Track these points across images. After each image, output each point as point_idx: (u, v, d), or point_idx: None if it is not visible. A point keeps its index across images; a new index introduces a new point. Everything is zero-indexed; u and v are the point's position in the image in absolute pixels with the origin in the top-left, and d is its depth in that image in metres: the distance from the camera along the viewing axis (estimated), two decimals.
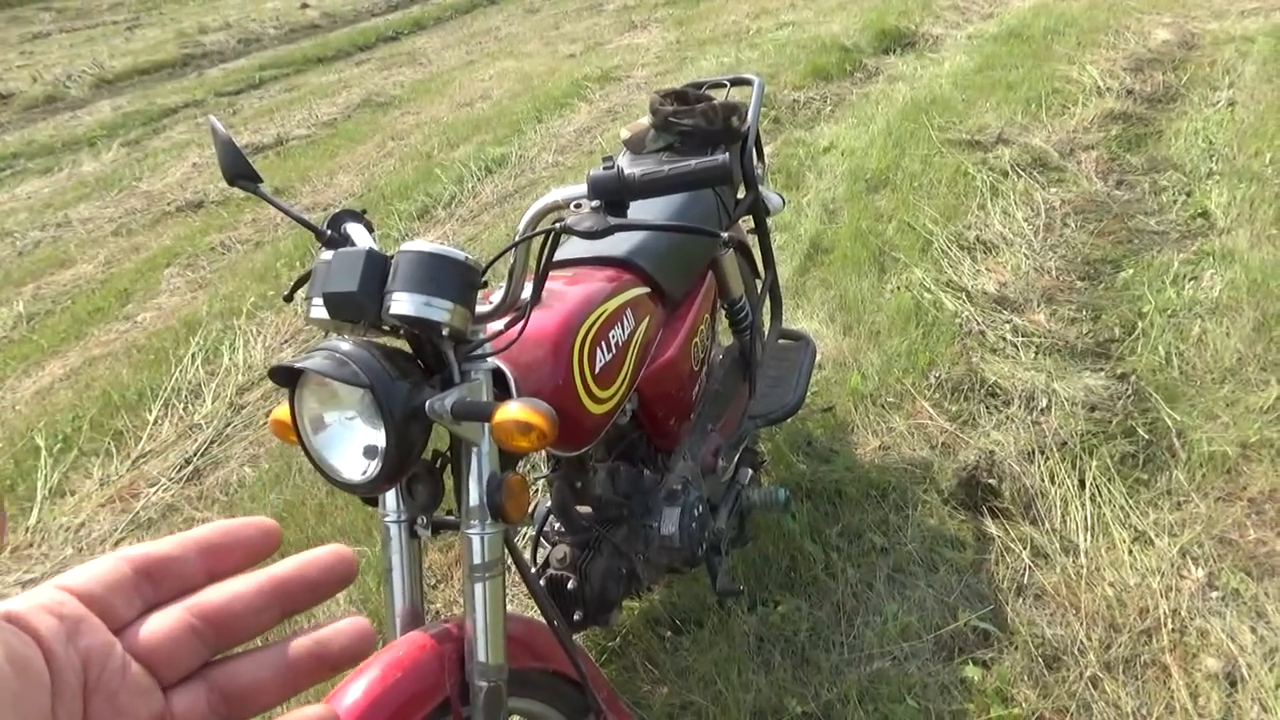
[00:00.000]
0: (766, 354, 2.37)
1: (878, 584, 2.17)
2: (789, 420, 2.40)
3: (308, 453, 1.23)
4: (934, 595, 2.13)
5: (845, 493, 2.44)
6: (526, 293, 1.39)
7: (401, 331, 1.27)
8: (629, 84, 7.14)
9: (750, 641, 2.05)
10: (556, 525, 1.78)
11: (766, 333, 2.44)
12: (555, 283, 1.68)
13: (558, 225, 1.34)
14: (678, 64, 7.38)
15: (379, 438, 1.18)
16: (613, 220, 1.36)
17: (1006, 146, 4.49)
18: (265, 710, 0.35)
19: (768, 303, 2.43)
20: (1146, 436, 2.49)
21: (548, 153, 5.91)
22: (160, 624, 0.34)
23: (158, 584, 0.34)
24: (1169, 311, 3.05)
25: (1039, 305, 3.15)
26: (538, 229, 1.37)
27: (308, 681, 0.35)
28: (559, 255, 1.84)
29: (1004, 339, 2.98)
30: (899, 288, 3.38)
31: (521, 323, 1.34)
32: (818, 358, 2.99)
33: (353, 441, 1.22)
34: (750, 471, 2.18)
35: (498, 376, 1.41)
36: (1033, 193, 4.00)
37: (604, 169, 1.37)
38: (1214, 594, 2.03)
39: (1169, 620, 1.97)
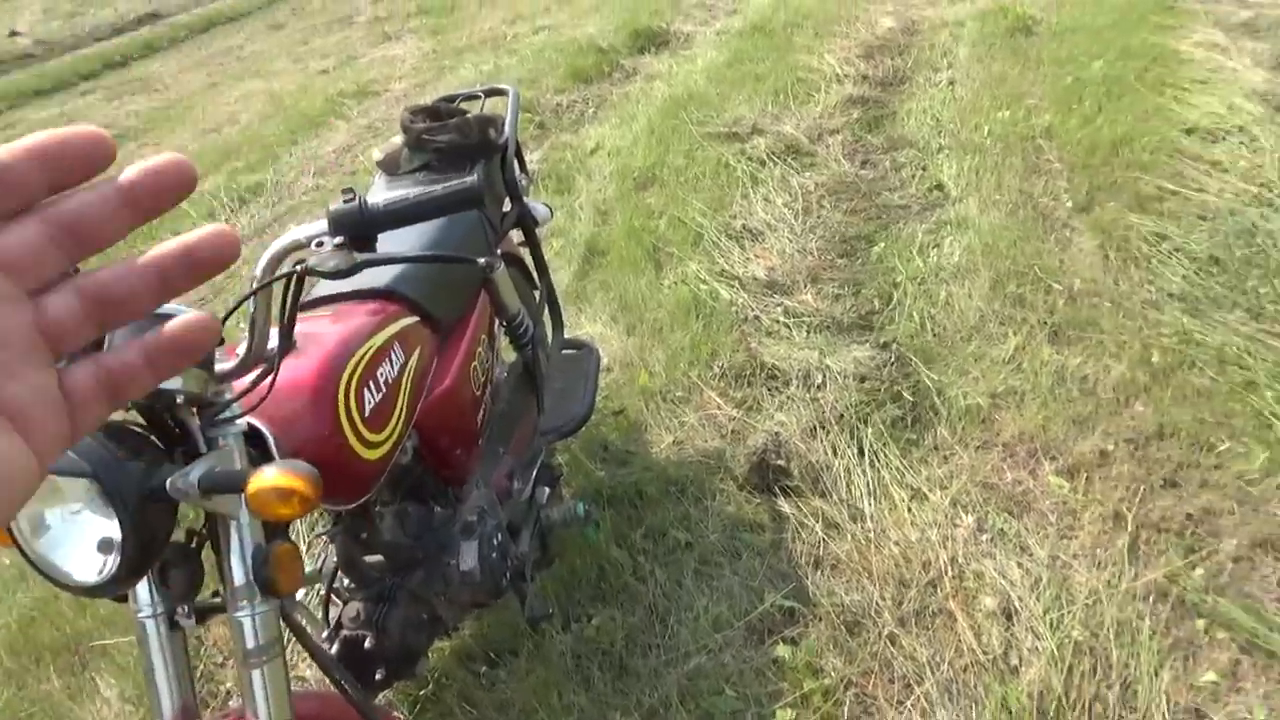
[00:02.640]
0: (551, 366, 2.34)
1: (686, 580, 2.20)
2: (583, 430, 2.39)
3: (30, 561, 1.08)
4: (740, 582, 2.18)
5: (645, 493, 2.46)
6: (274, 342, 1.28)
7: (129, 407, 1.13)
8: (387, 98, 6.91)
9: (568, 661, 2.02)
10: (346, 581, 1.67)
11: (550, 345, 2.41)
12: (311, 324, 1.57)
13: (299, 267, 1.25)
14: (436, 74, 7.21)
15: (113, 529, 1.05)
16: (360, 257, 1.28)
17: (761, 136, 4.69)
18: (140, 315, 0.35)
19: (547, 315, 2.41)
20: (911, 399, 2.67)
21: (307, 176, 5.61)
22: (15, 233, 0.33)
23: (6, 193, 0.33)
24: (919, 279, 3.30)
25: (806, 286, 3.31)
26: (277, 273, 1.26)
27: (180, 285, 0.35)
28: (313, 293, 1.72)
29: (777, 322, 3.12)
30: (676, 282, 3.46)
31: (271, 375, 1.24)
32: (604, 361, 3.00)
33: (83, 538, 1.07)
34: (548, 489, 2.15)
35: (254, 437, 1.30)
36: (789, 178, 4.21)
37: (344, 202, 1.29)
38: (984, 537, 2.21)
39: (949, 569, 2.12)
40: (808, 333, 3.04)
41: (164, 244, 0.35)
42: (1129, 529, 2.16)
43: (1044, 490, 2.33)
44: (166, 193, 0.35)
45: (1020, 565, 2.11)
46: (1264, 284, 2.88)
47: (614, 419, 2.78)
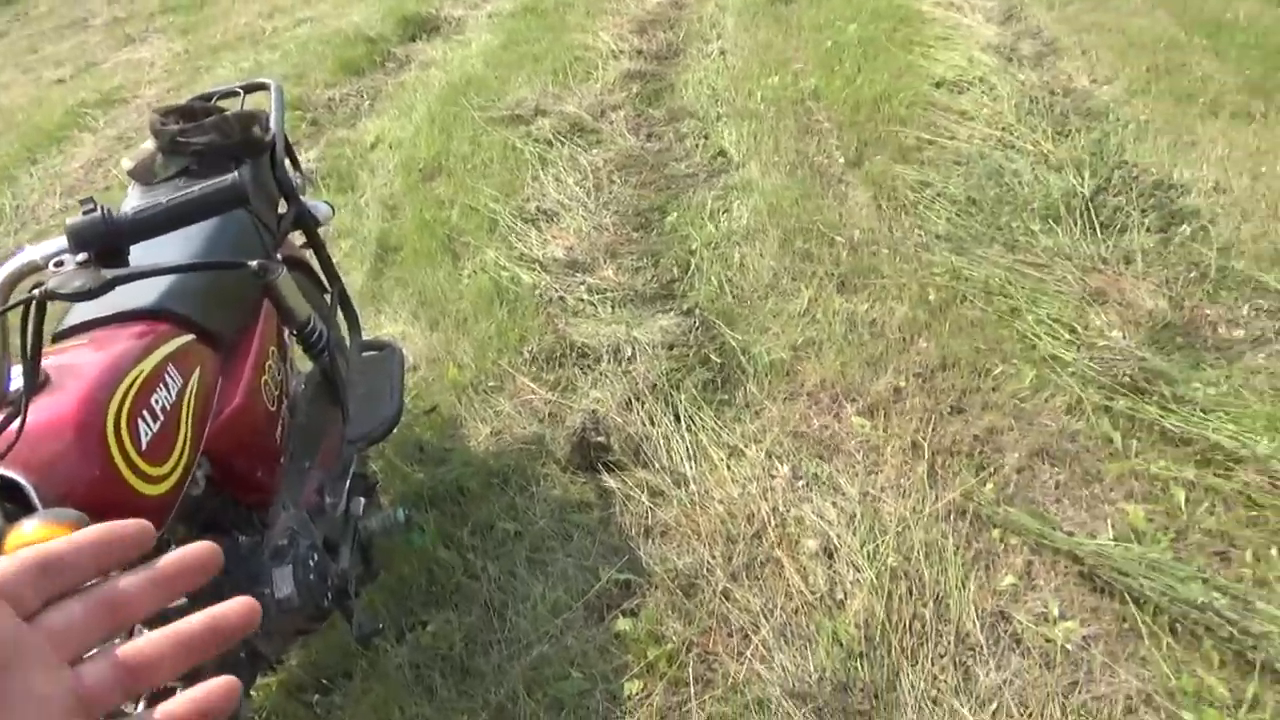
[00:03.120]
0: (352, 371, 2.22)
1: (519, 570, 2.16)
2: (394, 433, 2.29)
3: None
4: (574, 563, 2.17)
5: (468, 489, 2.39)
6: (17, 380, 1.14)
7: None
8: (137, 105, 6.33)
9: (406, 673, 1.94)
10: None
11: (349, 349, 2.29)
12: (65, 355, 1.41)
13: (38, 292, 1.11)
14: (191, 75, 6.68)
15: None
16: (109, 273, 1.15)
17: (545, 117, 4.66)
18: (165, 681, 0.39)
19: (342, 318, 2.28)
20: (719, 360, 2.74)
21: (53, 197, 5.06)
22: (62, 610, 0.38)
23: (54, 577, 0.38)
24: (713, 244, 3.38)
25: (605, 261, 3.33)
26: (11, 301, 1.12)
27: (205, 652, 0.40)
28: (65, 321, 1.55)
29: (582, 300, 3.11)
30: (475, 271, 3.38)
31: (19, 418, 1.09)
32: (410, 360, 2.90)
33: None
34: (364, 499, 2.05)
35: (10, 490, 1.15)
36: (578, 157, 4.20)
37: (84, 214, 1.15)
38: (800, 483, 2.31)
39: (771, 518, 2.20)
40: (613, 308, 3.06)
41: (192, 617, 0.40)
42: (926, 456, 2.32)
43: (849, 431, 2.46)
44: (194, 575, 0.41)
45: (835, 505, 2.22)
46: (1015, 219, 3.16)
47: (426, 418, 2.69)
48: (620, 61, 5.30)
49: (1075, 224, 3.05)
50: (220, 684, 0.39)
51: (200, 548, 0.42)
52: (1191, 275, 2.79)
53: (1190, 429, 2.25)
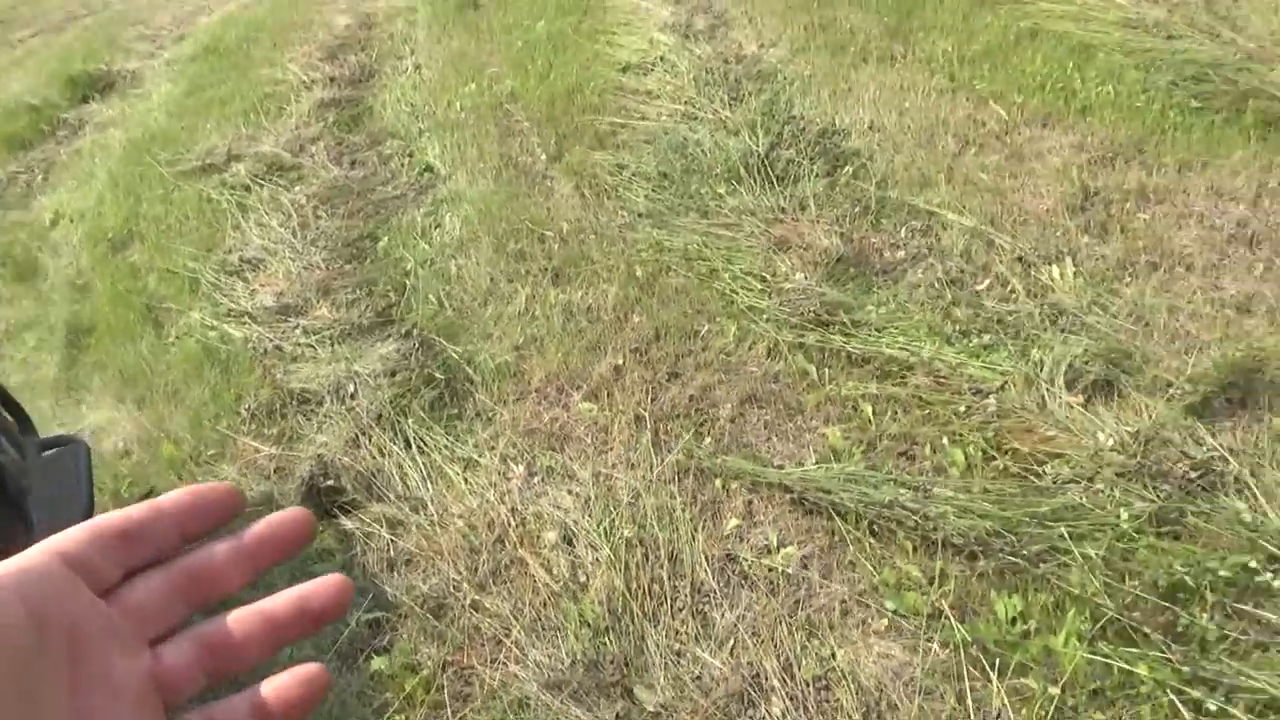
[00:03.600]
0: (31, 475, 2.04)
1: None
2: None
3: None
4: None
5: None
6: None
7: None
8: None
9: None
10: None
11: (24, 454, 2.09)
12: None
13: None
14: None
15: None
16: None
17: (240, 162, 4.44)
18: (251, 665, 0.35)
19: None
20: (444, 377, 2.74)
21: None
22: (143, 584, 0.35)
23: (135, 547, 0.35)
24: (428, 262, 3.36)
25: (319, 300, 3.23)
26: None
27: (292, 636, 0.36)
28: None
29: (299, 344, 3.01)
30: (180, 337, 3.18)
31: None
32: (119, 445, 2.70)
33: None
34: None
35: None
36: (279, 197, 4.04)
37: None
38: (535, 479, 2.35)
39: (511, 520, 2.23)
40: (332, 345, 2.97)
41: (279, 594, 0.37)
42: (649, 426, 2.43)
43: (577, 418, 2.53)
44: (286, 546, 0.38)
45: (571, 492, 2.28)
46: (703, 185, 3.35)
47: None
48: (314, 91, 5.13)
49: (755, 182, 3.27)
50: (311, 670, 0.36)
51: (293, 514, 0.38)
52: (857, 210, 3.07)
53: (869, 348, 2.49)
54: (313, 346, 3.00)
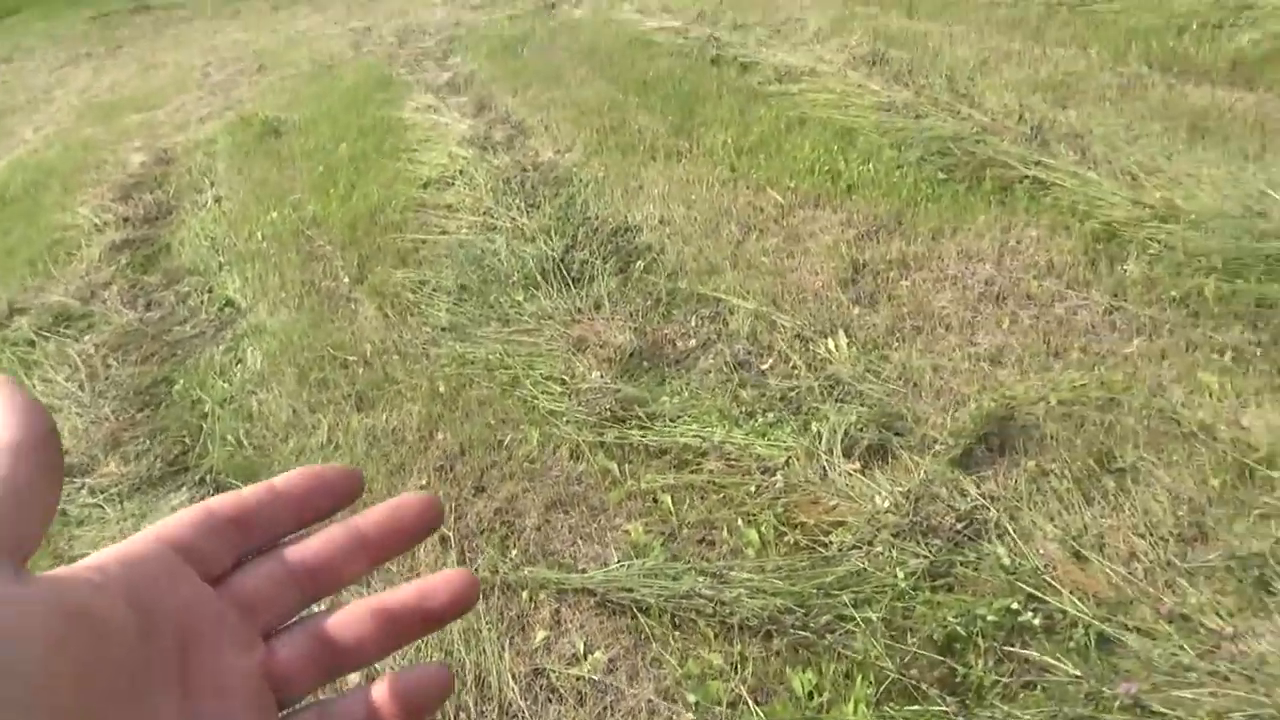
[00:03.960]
0: None
1: None
2: None
3: None
4: None
5: None
6: None
7: None
8: None
9: None
10: None
11: None
12: None
13: None
14: None
15: None
16: None
17: (23, 315, 4.20)
18: (368, 664, 0.33)
19: None
20: None
21: None
22: (256, 572, 0.33)
23: (248, 533, 0.33)
24: (227, 400, 3.25)
25: (107, 456, 3.05)
26: None
27: (412, 634, 0.34)
28: None
29: (85, 506, 2.82)
30: None
31: None
32: None
33: None
34: None
35: None
36: (66, 349, 3.83)
37: None
38: None
39: None
40: (121, 503, 2.81)
41: (399, 589, 0.34)
42: (454, 545, 2.39)
43: None
44: (410, 533, 0.35)
45: None
46: (502, 294, 3.40)
47: None
48: (106, 234, 4.94)
49: (553, 285, 3.35)
50: (434, 670, 0.34)
51: (418, 498, 0.35)
52: (649, 304, 3.18)
53: (665, 439, 2.55)
54: (100, 506, 2.82)
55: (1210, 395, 2.36)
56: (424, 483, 2.64)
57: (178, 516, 0.33)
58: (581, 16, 7.46)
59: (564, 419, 2.73)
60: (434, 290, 3.58)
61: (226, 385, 3.35)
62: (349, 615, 0.34)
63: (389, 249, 4.03)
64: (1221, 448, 2.18)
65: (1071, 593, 1.88)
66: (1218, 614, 1.81)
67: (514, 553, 2.34)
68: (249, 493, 0.34)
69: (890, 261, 3.19)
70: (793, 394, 2.61)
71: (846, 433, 2.38)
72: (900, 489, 2.19)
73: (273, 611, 0.33)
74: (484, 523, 2.47)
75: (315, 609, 0.35)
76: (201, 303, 4.09)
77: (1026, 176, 3.45)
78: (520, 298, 3.34)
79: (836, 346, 2.78)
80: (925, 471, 2.24)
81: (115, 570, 0.30)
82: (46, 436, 0.30)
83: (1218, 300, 2.64)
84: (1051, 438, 2.31)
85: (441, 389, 3.01)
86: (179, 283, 4.31)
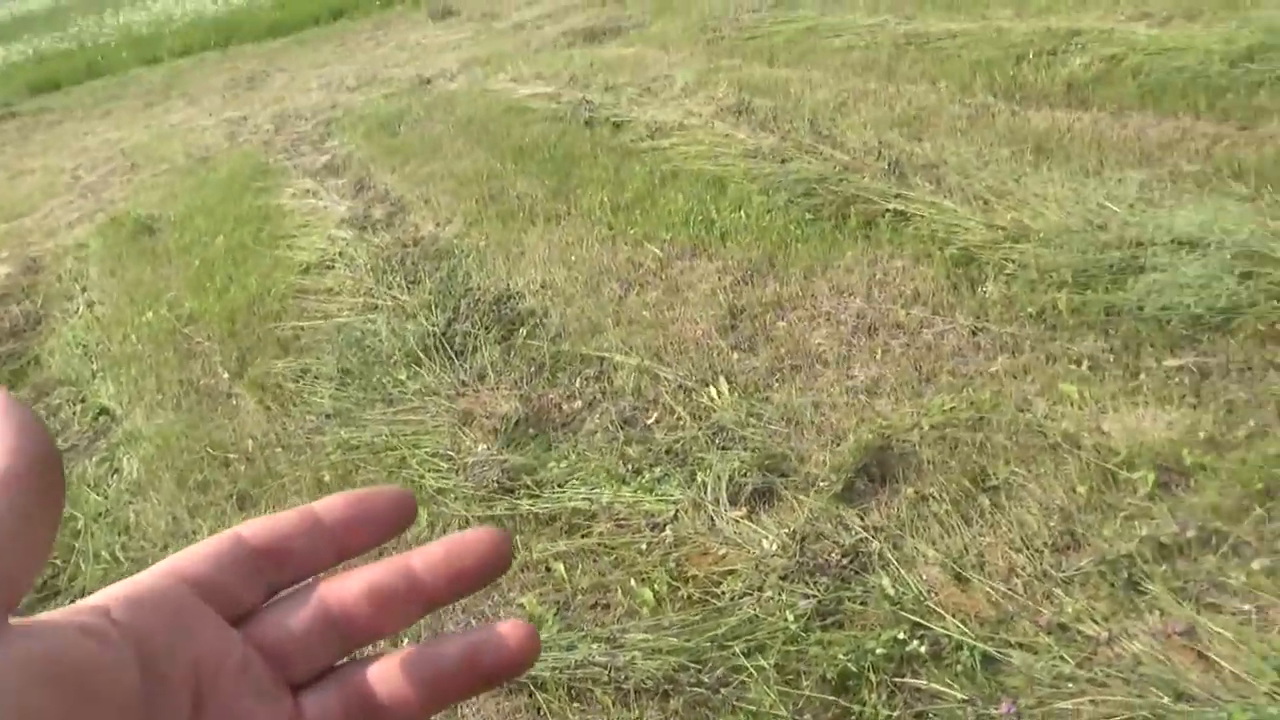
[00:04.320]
0: None
1: None
2: None
3: None
4: None
5: None
6: None
7: None
8: None
9: None
10: None
11: None
12: None
13: None
14: None
15: None
16: None
17: None
18: None
19: None
20: None
21: None
22: (287, 614, 0.29)
23: (281, 565, 0.29)
24: (101, 515, 3.09)
25: None
26: None
27: (459, 694, 0.29)
28: None
29: None
30: None
31: None
32: None
33: None
34: None
35: None
36: None
37: None
38: None
39: None
40: None
41: (448, 640, 0.29)
42: None
43: None
44: (471, 577, 0.29)
45: None
46: (385, 375, 3.34)
47: None
48: None
49: (436, 361, 3.31)
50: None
51: (481, 535, 0.29)
52: (533, 370, 3.17)
53: (555, 506, 2.52)
54: None
55: (1072, 405, 2.45)
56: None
57: (201, 546, 0.29)
58: (457, 89, 7.52)
59: (452, 495, 2.67)
60: (316, 377, 3.49)
61: (100, 498, 3.19)
62: (391, 672, 0.29)
63: (269, 339, 3.93)
64: (1086, 455, 2.25)
65: (955, 615, 1.91)
66: (1093, 620, 1.85)
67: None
68: (284, 520, 0.30)
69: (766, 304, 3.25)
70: (678, 446, 2.62)
71: (732, 479, 2.39)
72: (786, 530, 2.20)
73: (305, 661, 0.29)
74: None
75: (353, 657, 0.30)
76: (74, 414, 3.91)
77: (888, 210, 3.57)
78: (404, 376, 3.29)
79: (719, 394, 2.80)
80: (810, 510, 2.26)
81: (120, 612, 0.26)
82: (44, 460, 0.25)
83: (1071, 312, 2.76)
84: (928, 462, 2.36)
85: (326, 478, 2.93)
86: (49, 395, 4.12)
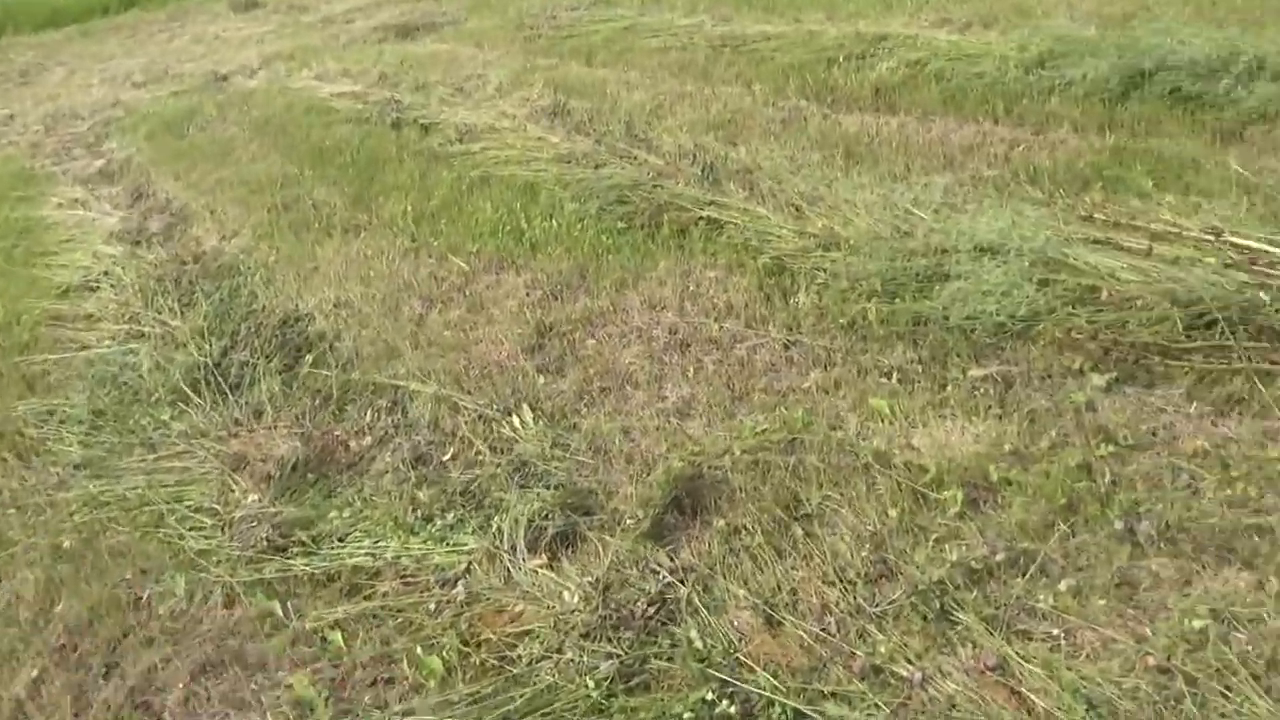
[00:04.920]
0: None
1: None
2: None
3: None
4: None
5: None
6: None
7: None
8: None
9: None
10: None
11: None
12: None
13: None
14: None
15: None
16: None
17: None
18: None
19: None
20: None
21: None
22: None
23: None
24: None
25: None
26: None
27: None
28: None
29: None
30: None
31: None
32: None
33: None
34: None
35: None
36: None
37: None
38: None
39: None
40: None
41: None
42: None
43: None
44: None
45: None
46: (145, 415, 2.92)
47: None
48: None
49: (206, 397, 2.92)
50: None
51: None
52: (318, 403, 2.85)
53: (333, 564, 2.22)
54: None
55: (883, 420, 2.37)
56: (37, 673, 2.14)
57: None
58: (255, 86, 6.95)
59: (216, 558, 2.32)
60: (63, 421, 3.02)
61: None
62: None
63: (12, 377, 3.41)
64: (897, 475, 2.16)
65: (766, 668, 1.76)
66: (907, 659, 1.74)
67: None
68: None
69: (576, 320, 3.04)
70: (475, 486, 2.37)
71: (532, 522, 2.17)
72: (589, 579, 2.00)
73: None
74: (113, 712, 2.02)
75: None
76: None
77: (702, 218, 3.44)
78: (167, 416, 2.88)
79: (522, 423, 2.57)
80: (615, 553, 2.07)
81: None
82: None
83: (880, 322, 2.69)
84: (740, 490, 2.22)
85: (67, 544, 2.51)
86: None
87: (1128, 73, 3.83)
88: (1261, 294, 2.44)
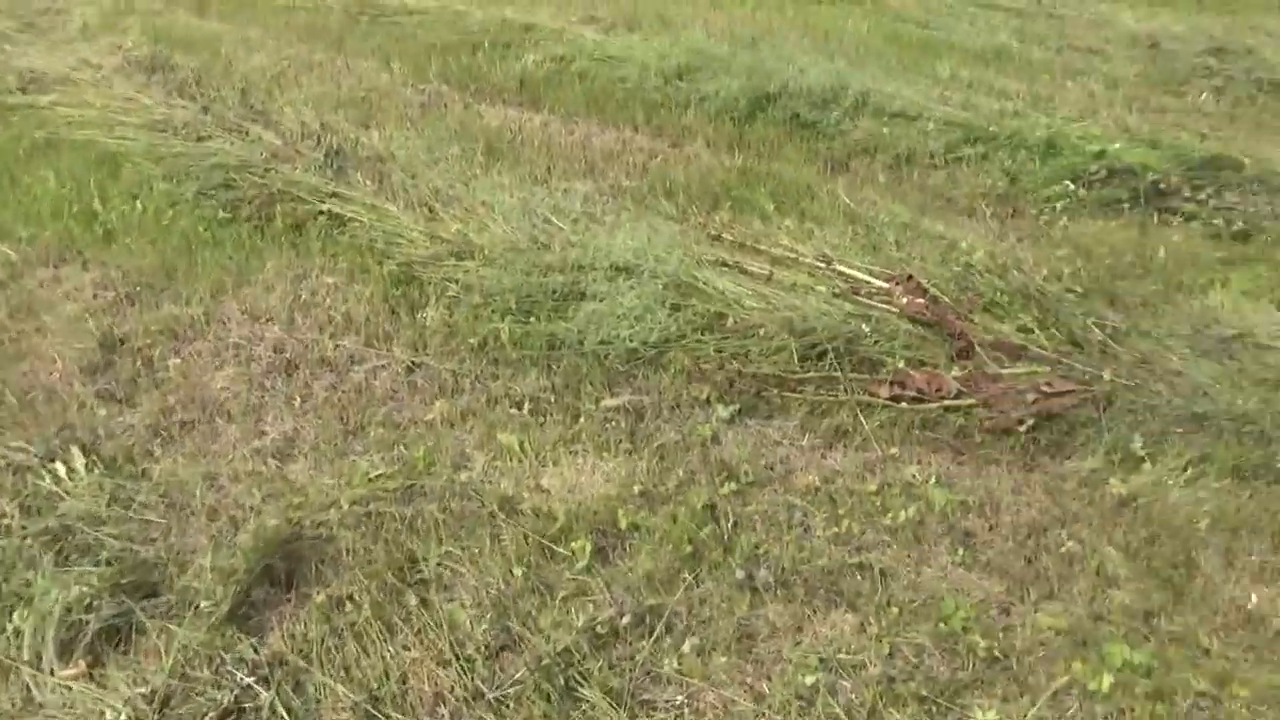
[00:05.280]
0: None
1: None
2: None
3: None
4: None
5: None
6: None
7: None
8: None
9: None
10: None
11: None
12: None
13: None
14: None
15: None
16: None
17: None
18: None
19: None
20: None
21: None
22: None
23: None
24: None
25: None
26: None
27: None
28: None
29: None
30: None
31: None
32: None
33: None
34: None
35: None
36: None
37: None
38: None
39: None
40: None
41: None
42: None
43: None
44: None
45: None
46: None
47: None
48: None
49: None
50: None
51: None
52: None
53: None
54: None
55: (512, 458, 2.19)
56: None
57: None
58: None
59: None
60: None
61: None
62: None
63: None
64: (524, 525, 2.00)
65: None
66: None
67: None
68: None
69: (156, 333, 2.53)
70: None
71: (69, 614, 1.71)
72: (143, 690, 1.60)
73: None
74: None
75: None
76: None
77: (323, 211, 3.05)
78: None
79: (70, 471, 2.05)
80: (183, 649, 1.68)
81: None
82: None
83: (513, 344, 2.52)
84: (347, 551, 1.92)
85: None
86: None
87: (755, 94, 4.00)
88: (863, 325, 2.60)
